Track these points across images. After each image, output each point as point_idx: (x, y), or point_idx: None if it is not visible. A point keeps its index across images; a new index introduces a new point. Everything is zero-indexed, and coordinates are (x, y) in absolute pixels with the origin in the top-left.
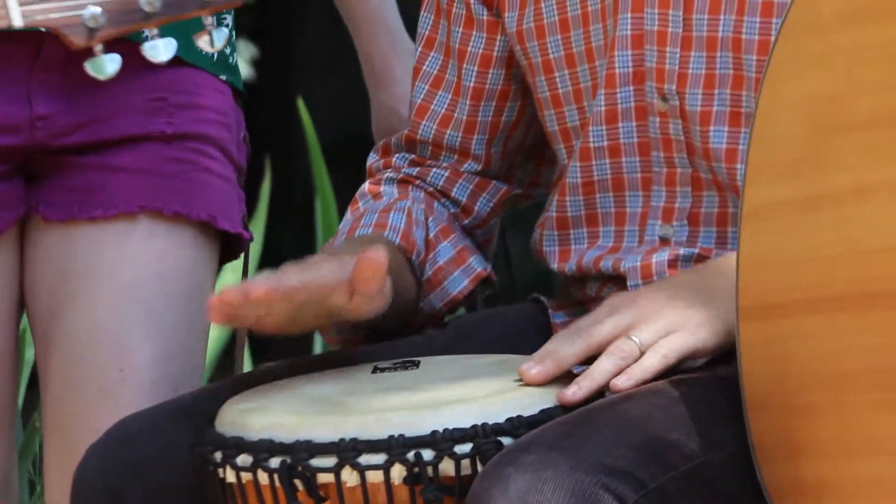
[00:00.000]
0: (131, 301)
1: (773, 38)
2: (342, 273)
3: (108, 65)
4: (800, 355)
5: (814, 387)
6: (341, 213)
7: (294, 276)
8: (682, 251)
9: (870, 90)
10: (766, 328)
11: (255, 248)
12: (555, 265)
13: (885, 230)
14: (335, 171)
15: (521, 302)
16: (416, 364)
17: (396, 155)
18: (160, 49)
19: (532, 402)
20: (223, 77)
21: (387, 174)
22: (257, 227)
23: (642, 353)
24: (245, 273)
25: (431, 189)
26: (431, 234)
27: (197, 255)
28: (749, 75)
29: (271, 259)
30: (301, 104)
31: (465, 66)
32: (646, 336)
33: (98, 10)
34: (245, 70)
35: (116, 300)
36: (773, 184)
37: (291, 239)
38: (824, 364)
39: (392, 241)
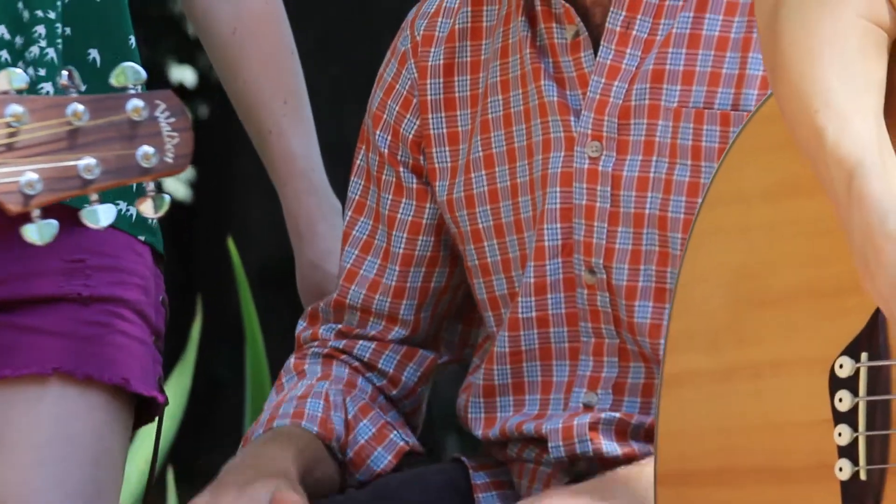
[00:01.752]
0: (39, 464)
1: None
2: None
3: (44, 230)
4: None
5: None
6: (270, 348)
7: None
8: (603, 416)
9: (788, 265)
10: (681, 495)
11: (184, 386)
12: (479, 432)
13: (799, 404)
14: (270, 293)
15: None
16: None
17: (323, 326)
18: (99, 215)
19: None
20: (142, 238)
21: (313, 348)
22: (186, 368)
23: None
24: (158, 435)
25: (357, 363)
26: (350, 415)
27: (108, 418)
28: (675, 253)
29: (199, 400)
30: (231, 244)
31: (394, 232)
32: None
33: (35, 176)
34: (182, 191)
35: (24, 463)
36: (693, 352)
37: (221, 378)
38: None
39: (310, 429)
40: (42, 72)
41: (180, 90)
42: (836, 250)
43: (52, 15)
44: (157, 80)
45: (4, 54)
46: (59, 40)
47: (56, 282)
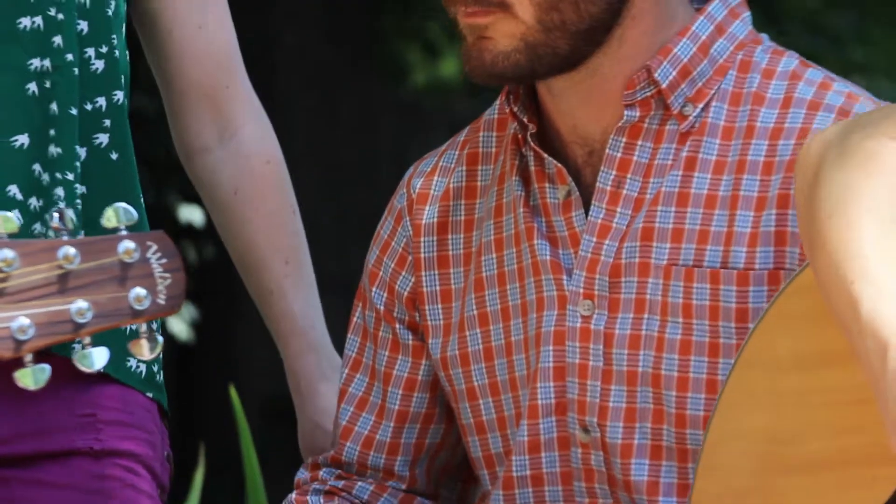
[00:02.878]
0: None
1: (692, 376)
2: None
3: (37, 375)
4: None
5: None
6: (271, 491)
7: None
8: None
9: (817, 433)
10: None
11: None
12: None
13: None
14: (273, 432)
15: None
16: None
17: (324, 470)
18: (93, 358)
19: None
20: (150, 395)
21: (313, 486)
22: None
23: None
24: None
25: (357, 502)
26: None
27: None
28: (669, 410)
29: None
30: (233, 392)
31: (389, 388)
32: None
33: (27, 321)
34: (185, 332)
35: None
36: None
37: None
38: None
39: None
40: (70, 213)
41: (188, 230)
42: (866, 420)
43: (70, 176)
44: (164, 220)
45: (16, 214)
46: (79, 201)
47: (68, 436)
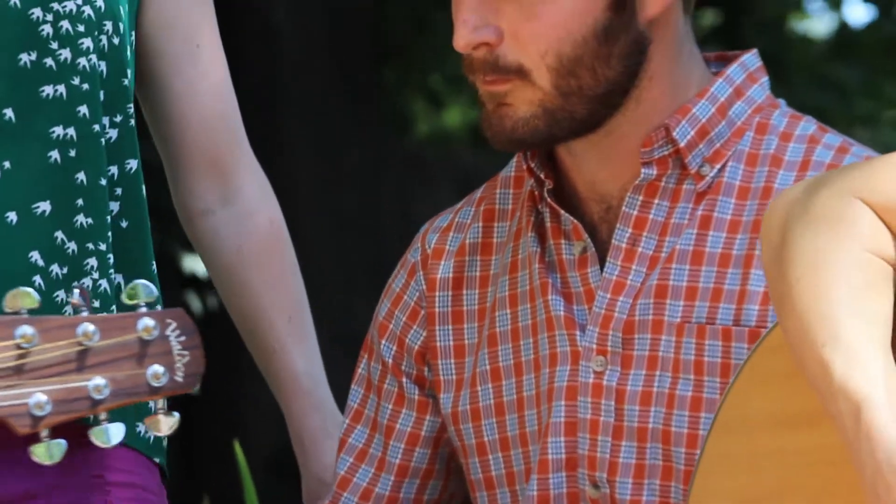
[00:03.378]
0: None
1: (702, 433)
2: None
3: (53, 450)
4: None
5: None
6: None
7: None
8: None
9: (796, 495)
10: None
11: None
12: None
13: None
14: (277, 486)
15: None
16: None
17: None
18: (110, 434)
19: None
20: (156, 459)
21: None
22: None
23: None
24: None
25: None
26: None
27: None
28: (678, 467)
29: None
30: (237, 447)
31: (391, 442)
32: None
33: (44, 398)
34: None
35: None
36: None
37: None
38: None
39: None
40: (96, 303)
41: (192, 280)
42: (843, 481)
43: (103, 247)
44: (168, 271)
45: (38, 280)
46: (112, 271)
47: (76, 497)
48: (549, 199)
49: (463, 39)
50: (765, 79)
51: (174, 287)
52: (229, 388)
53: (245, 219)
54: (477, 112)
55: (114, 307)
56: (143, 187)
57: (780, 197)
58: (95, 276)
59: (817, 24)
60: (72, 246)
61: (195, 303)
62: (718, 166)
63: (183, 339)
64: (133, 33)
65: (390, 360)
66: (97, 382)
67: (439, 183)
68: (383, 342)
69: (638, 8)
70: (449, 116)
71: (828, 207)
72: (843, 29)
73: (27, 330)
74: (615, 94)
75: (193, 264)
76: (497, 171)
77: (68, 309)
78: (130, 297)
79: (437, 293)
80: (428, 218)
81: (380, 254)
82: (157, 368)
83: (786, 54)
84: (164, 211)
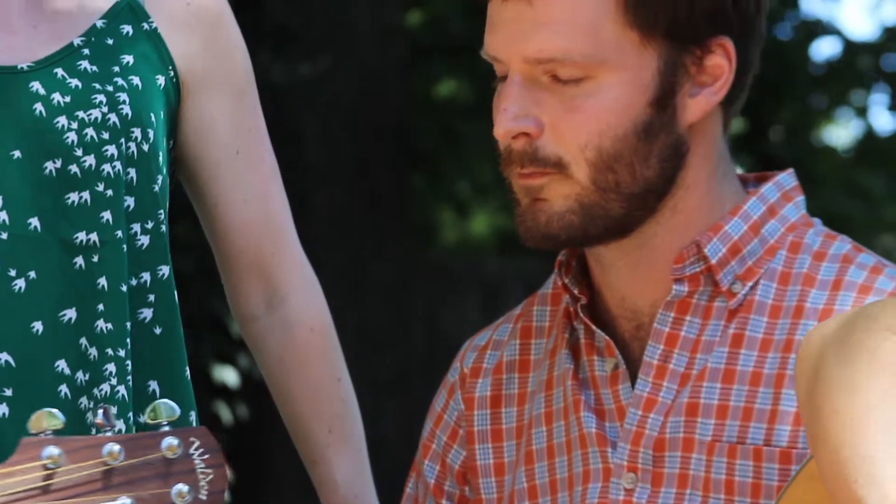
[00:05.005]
0: None
1: None
2: None
3: None
4: None
5: None
6: None
7: None
8: None
9: None
10: None
11: None
12: None
13: None
14: None
15: None
16: None
17: None
18: None
19: None
20: None
21: None
22: None
23: None
24: None
25: None
26: None
27: None
28: None
29: None
30: None
31: None
32: None
33: None
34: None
35: None
36: None
37: None
38: None
39: None
40: (114, 410)
41: (222, 390)
42: None
43: (122, 353)
44: (199, 381)
45: (64, 389)
46: (129, 377)
47: None
48: (582, 316)
49: (503, 127)
50: (800, 198)
51: (204, 396)
52: (259, 499)
53: (287, 327)
54: (504, 218)
55: (130, 414)
56: (176, 293)
57: (814, 330)
58: (114, 381)
59: (843, 131)
60: (93, 352)
61: (225, 412)
62: (750, 284)
63: (206, 457)
64: (169, 140)
65: (433, 481)
66: (123, 502)
67: (466, 293)
68: (427, 462)
69: (679, 110)
70: (475, 224)
71: (862, 342)
72: (869, 136)
73: (53, 451)
74: (651, 196)
75: (223, 374)
76: (523, 280)
77: (90, 416)
78: (152, 418)
79: (475, 412)
80: (455, 328)
81: (407, 364)
82: (182, 487)
83: (812, 161)
84: (193, 320)
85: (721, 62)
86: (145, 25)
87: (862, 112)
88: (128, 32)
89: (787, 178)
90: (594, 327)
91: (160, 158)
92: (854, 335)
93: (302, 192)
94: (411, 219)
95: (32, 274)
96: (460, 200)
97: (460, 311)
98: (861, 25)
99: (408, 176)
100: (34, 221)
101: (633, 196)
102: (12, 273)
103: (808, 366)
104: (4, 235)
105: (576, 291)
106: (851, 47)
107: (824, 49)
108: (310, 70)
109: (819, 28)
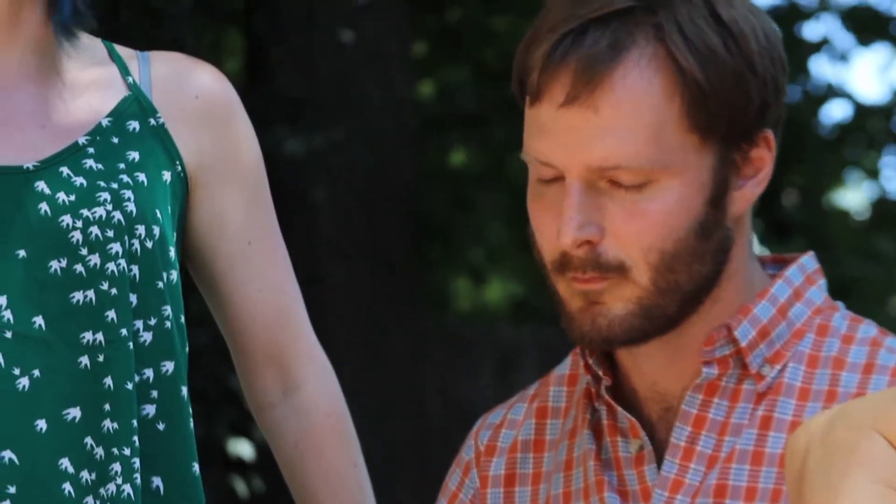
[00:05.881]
0: None
1: None
2: None
3: None
4: None
5: None
6: None
7: None
8: None
9: None
10: None
11: None
12: None
13: None
14: None
15: None
16: None
17: None
18: None
19: None
20: None
21: None
22: None
23: None
24: None
25: None
26: None
27: None
28: None
29: None
30: None
31: None
32: None
33: None
34: None
35: None
36: None
37: None
38: None
39: None
40: None
41: (238, 464)
42: None
43: (127, 452)
44: (214, 454)
45: (68, 487)
46: (136, 475)
47: None
48: (606, 397)
49: (569, 237)
50: (822, 281)
51: (219, 470)
52: None
53: (303, 414)
54: (518, 285)
55: None
56: (184, 386)
57: (802, 427)
58: (119, 481)
59: (855, 194)
60: (99, 451)
61: (240, 486)
62: (779, 367)
63: None
64: (175, 234)
65: None
66: None
67: (481, 361)
68: None
69: (728, 205)
70: (490, 291)
71: (843, 439)
72: (882, 199)
73: None
74: (702, 292)
75: (238, 447)
76: (536, 348)
77: None
78: None
79: (489, 489)
80: (470, 395)
81: (423, 433)
82: None
83: (824, 225)
84: (208, 395)
85: (764, 154)
86: (152, 121)
87: (874, 174)
88: (134, 129)
89: (809, 261)
90: (618, 408)
91: (168, 254)
92: (833, 434)
93: (315, 261)
94: (425, 287)
95: (36, 373)
96: (474, 268)
97: (475, 378)
98: (871, 88)
99: (421, 244)
100: (39, 320)
101: (688, 294)
102: (16, 372)
103: (794, 466)
104: (9, 334)
105: (600, 373)
106: (862, 110)
107: (835, 112)
108: (322, 141)
109: (829, 91)
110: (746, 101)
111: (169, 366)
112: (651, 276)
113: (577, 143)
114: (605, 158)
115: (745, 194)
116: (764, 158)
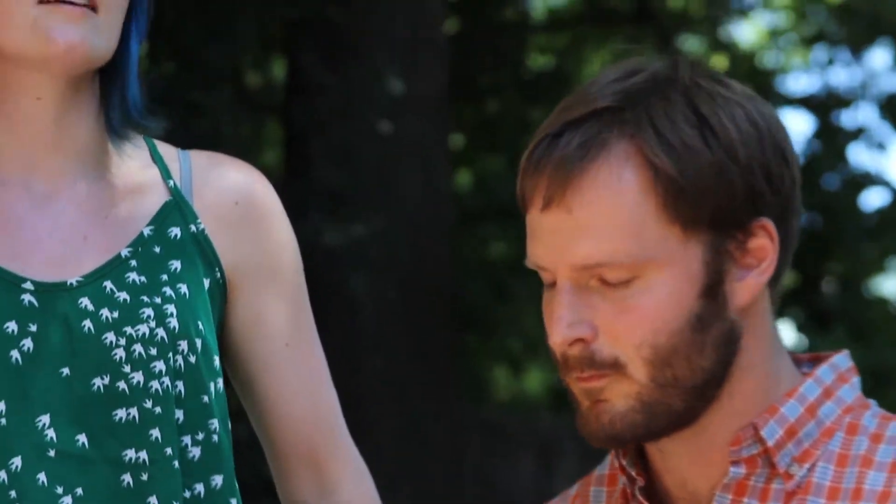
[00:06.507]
0: None
1: None
2: None
3: None
4: None
5: None
6: None
7: None
8: None
9: None
10: None
11: None
12: None
13: None
14: None
15: None
16: None
17: None
18: None
19: None
20: None
21: None
22: None
23: None
24: None
25: None
26: None
27: None
28: None
29: None
30: None
31: None
32: None
33: None
34: None
35: None
36: None
37: None
38: None
39: None
40: None
41: None
42: None
43: None
44: None
45: None
46: None
47: None
48: (640, 498)
49: (560, 336)
50: (855, 379)
51: None
52: None
53: None
54: (556, 374)
55: None
56: (233, 499)
57: None
58: None
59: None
60: None
61: None
62: (808, 466)
63: None
64: (216, 340)
65: None
66: None
67: (520, 450)
68: None
69: (729, 296)
70: (529, 381)
71: None
72: None
73: None
74: (710, 386)
75: None
76: (575, 437)
77: None
78: None
79: None
80: (509, 487)
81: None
82: None
83: (865, 313)
84: (248, 486)
85: (764, 243)
86: (193, 227)
87: None
88: (176, 235)
89: (842, 360)
90: None
91: (213, 363)
92: None
93: (354, 352)
94: (464, 377)
95: (79, 491)
96: (512, 357)
97: (515, 467)
98: None
99: (460, 335)
100: (82, 438)
101: (692, 389)
102: (59, 490)
103: None
104: (52, 453)
105: (633, 473)
106: None
107: (873, 199)
108: (360, 232)
109: (867, 179)
110: (730, 190)
111: (218, 480)
112: (648, 372)
113: (559, 245)
114: (587, 257)
115: (748, 285)
116: (765, 248)
